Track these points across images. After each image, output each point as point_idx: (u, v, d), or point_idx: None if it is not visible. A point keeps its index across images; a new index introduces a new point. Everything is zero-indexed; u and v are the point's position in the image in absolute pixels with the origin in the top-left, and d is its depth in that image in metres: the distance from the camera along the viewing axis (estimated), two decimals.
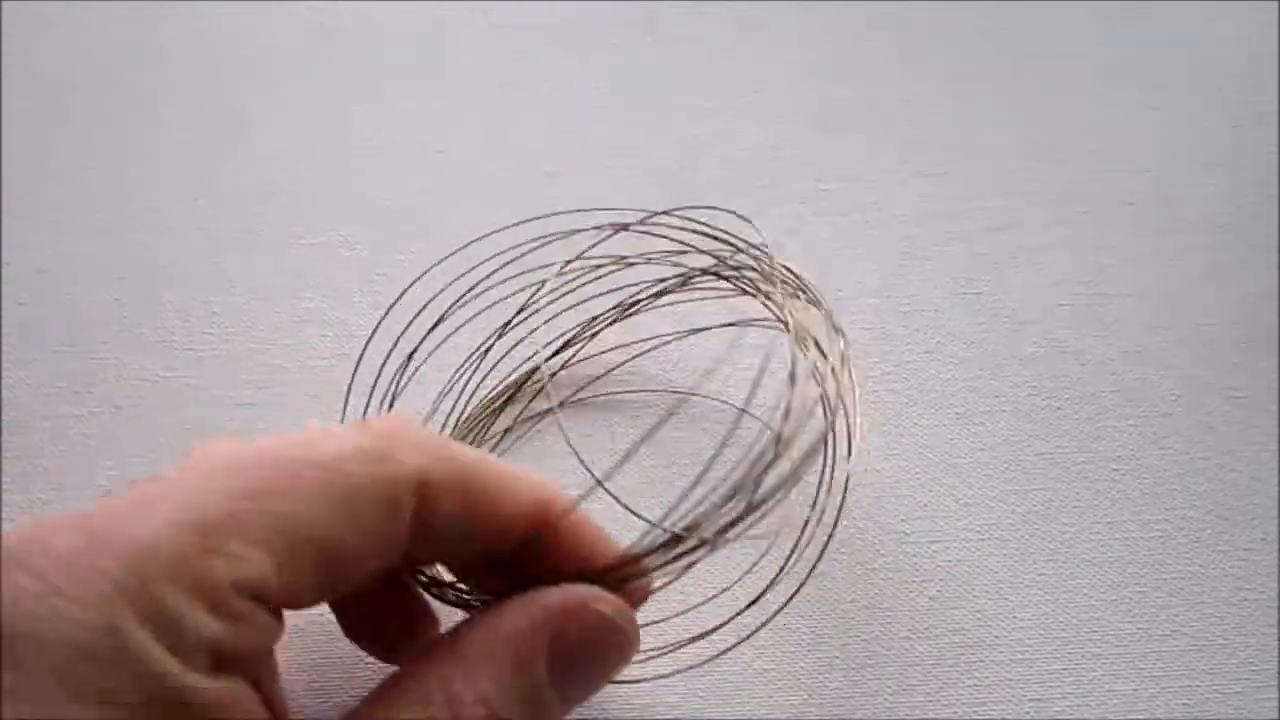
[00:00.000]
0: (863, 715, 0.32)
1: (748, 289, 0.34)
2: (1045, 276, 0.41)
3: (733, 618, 0.32)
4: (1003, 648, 0.33)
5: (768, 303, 0.33)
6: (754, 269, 0.33)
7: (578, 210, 0.36)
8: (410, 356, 0.36)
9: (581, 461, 0.28)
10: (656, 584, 0.27)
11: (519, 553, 0.24)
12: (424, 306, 0.36)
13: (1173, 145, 0.46)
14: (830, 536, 0.33)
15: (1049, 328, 0.40)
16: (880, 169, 0.45)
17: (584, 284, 0.37)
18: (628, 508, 0.28)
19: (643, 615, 0.31)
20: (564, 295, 0.37)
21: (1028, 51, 0.49)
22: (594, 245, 0.36)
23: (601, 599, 0.23)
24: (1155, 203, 0.44)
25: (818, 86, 0.48)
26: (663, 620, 0.33)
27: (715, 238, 0.34)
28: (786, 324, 0.30)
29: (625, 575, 0.24)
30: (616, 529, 0.26)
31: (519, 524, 0.24)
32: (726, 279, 0.34)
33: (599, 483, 0.26)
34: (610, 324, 0.38)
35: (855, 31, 0.50)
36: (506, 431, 0.38)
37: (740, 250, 0.33)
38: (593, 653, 0.24)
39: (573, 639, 0.23)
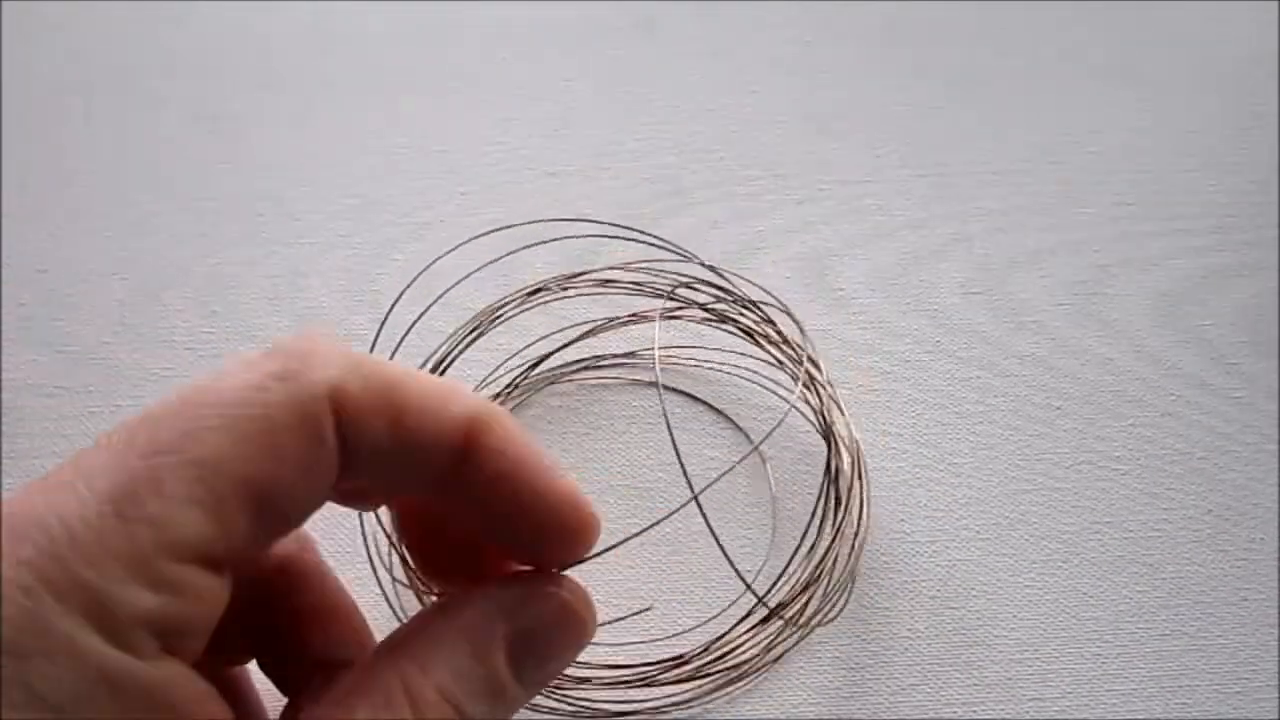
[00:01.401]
0: (863, 715, 0.32)
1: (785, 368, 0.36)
2: (1045, 277, 0.42)
3: (737, 630, 0.32)
4: (1003, 647, 0.33)
5: (802, 391, 0.35)
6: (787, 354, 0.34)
7: (578, 219, 0.36)
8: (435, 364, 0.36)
9: (684, 471, 0.27)
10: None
11: (477, 530, 0.22)
12: (422, 313, 0.36)
13: (1173, 145, 0.46)
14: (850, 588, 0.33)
15: (1049, 328, 0.40)
16: (880, 170, 0.45)
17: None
18: (725, 554, 0.27)
19: (657, 627, 0.31)
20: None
21: (1027, 52, 0.49)
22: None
23: (556, 581, 0.23)
24: (1155, 203, 0.44)
25: (817, 88, 0.48)
26: (671, 634, 0.33)
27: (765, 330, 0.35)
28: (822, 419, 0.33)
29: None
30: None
31: (449, 440, 0.21)
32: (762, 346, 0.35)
33: (694, 497, 0.25)
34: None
35: (855, 33, 0.50)
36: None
37: (792, 350, 0.34)
38: (552, 638, 0.22)
39: (530, 625, 0.22)
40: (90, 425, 0.37)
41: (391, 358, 0.36)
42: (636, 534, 0.24)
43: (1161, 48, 0.49)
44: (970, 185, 0.44)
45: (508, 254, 0.35)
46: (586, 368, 0.39)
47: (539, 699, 0.30)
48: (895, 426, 0.37)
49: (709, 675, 0.31)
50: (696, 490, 0.25)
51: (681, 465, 0.27)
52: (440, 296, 0.35)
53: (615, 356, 0.39)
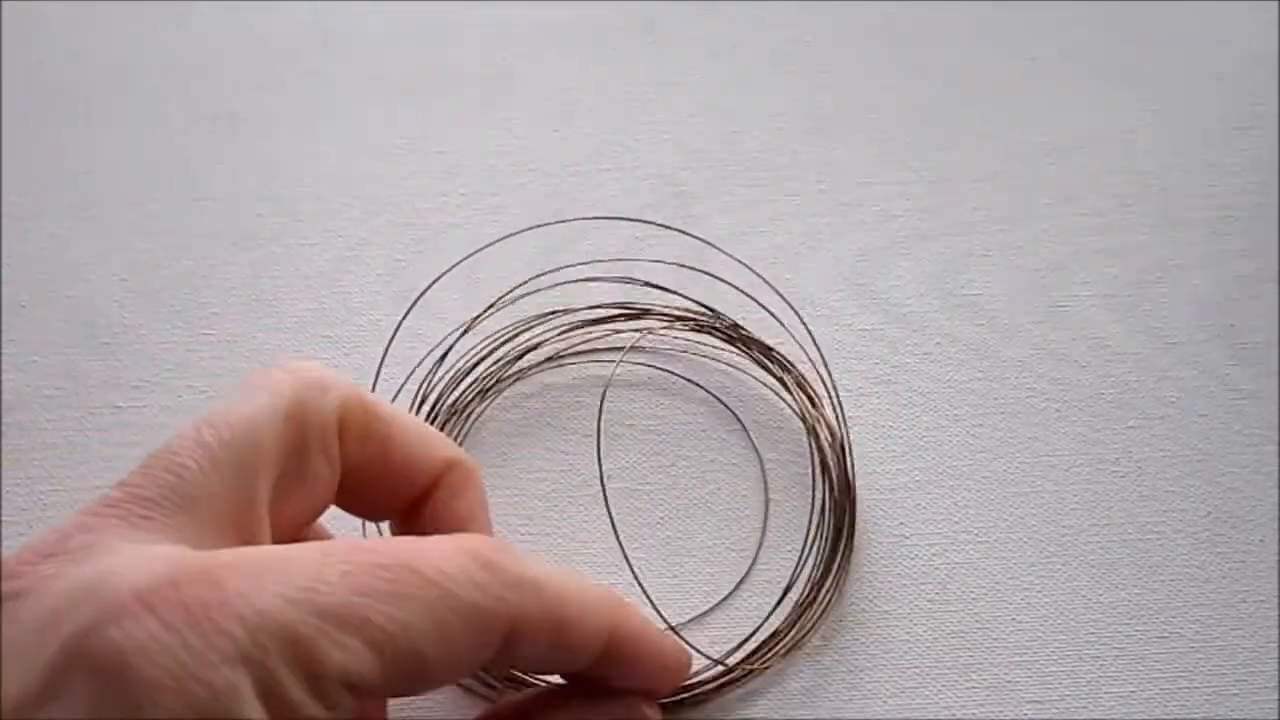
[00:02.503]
0: (861, 716, 0.32)
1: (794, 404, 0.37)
2: (1043, 278, 0.41)
3: (741, 643, 0.32)
4: (1002, 649, 0.33)
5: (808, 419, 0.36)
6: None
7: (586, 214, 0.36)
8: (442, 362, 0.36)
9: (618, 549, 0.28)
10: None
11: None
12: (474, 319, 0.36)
13: (1173, 145, 0.46)
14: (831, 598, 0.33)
15: (1048, 330, 0.40)
16: (880, 171, 0.45)
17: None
18: (660, 614, 0.29)
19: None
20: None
21: (1027, 52, 0.49)
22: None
23: (655, 709, 0.28)
24: (1154, 203, 0.44)
25: (817, 88, 0.48)
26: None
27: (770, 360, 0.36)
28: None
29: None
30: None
31: (592, 655, 0.25)
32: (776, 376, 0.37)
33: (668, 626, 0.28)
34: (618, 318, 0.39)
35: (855, 33, 0.50)
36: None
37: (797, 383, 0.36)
38: None
39: None
40: (90, 425, 0.37)
41: (386, 358, 0.36)
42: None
43: (1161, 48, 0.49)
44: (970, 185, 0.44)
45: (539, 280, 0.35)
46: (581, 355, 0.39)
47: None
48: (893, 429, 0.37)
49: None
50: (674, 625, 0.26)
51: (616, 532, 0.27)
52: (495, 304, 0.35)
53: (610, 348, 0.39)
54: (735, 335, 0.37)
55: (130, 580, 0.19)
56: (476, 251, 0.36)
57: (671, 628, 0.30)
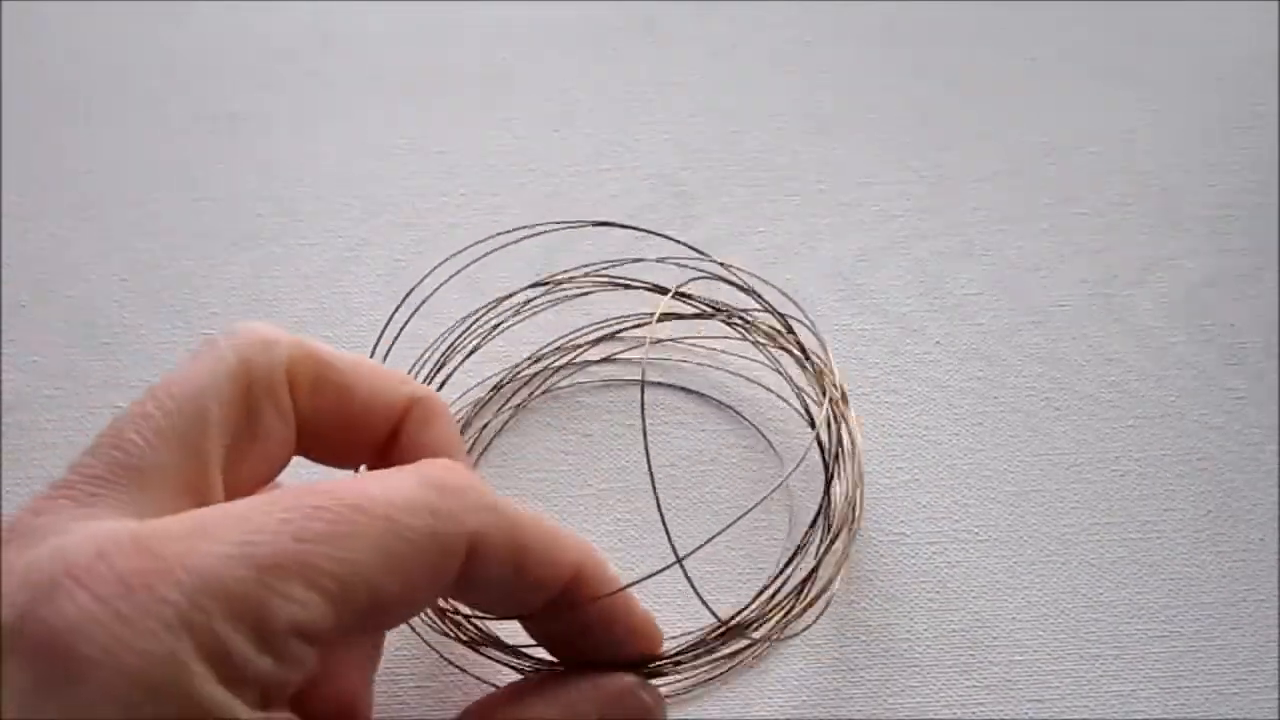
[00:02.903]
0: (860, 716, 0.32)
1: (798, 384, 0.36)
2: (1044, 277, 0.41)
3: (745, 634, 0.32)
4: (1002, 648, 0.33)
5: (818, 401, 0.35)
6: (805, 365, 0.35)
7: (588, 225, 0.36)
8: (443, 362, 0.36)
9: (667, 536, 0.28)
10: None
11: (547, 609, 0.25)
12: (474, 319, 0.36)
13: (1172, 145, 0.46)
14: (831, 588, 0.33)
15: (1047, 329, 0.40)
16: (879, 170, 0.45)
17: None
18: (698, 593, 0.28)
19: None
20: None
21: (1027, 52, 0.49)
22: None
23: (645, 689, 0.26)
24: (1154, 203, 0.44)
25: (817, 88, 0.48)
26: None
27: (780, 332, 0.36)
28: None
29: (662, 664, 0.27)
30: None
31: (555, 586, 0.24)
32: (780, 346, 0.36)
33: (679, 560, 0.27)
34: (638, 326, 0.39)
35: (855, 33, 0.50)
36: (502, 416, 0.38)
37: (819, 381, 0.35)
38: None
39: (618, 717, 0.25)
40: (90, 425, 0.37)
41: (387, 357, 0.36)
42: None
43: (1161, 48, 0.49)
44: (970, 185, 0.44)
45: (538, 293, 0.35)
46: (596, 362, 0.39)
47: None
48: (893, 428, 0.37)
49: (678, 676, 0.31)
50: (680, 555, 0.26)
51: (662, 514, 0.27)
52: (494, 304, 0.35)
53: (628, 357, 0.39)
54: (749, 324, 0.36)
55: (64, 558, 0.19)
56: (480, 256, 0.35)
57: (714, 615, 0.29)
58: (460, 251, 0.36)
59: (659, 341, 0.39)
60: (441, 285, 0.36)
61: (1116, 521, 0.35)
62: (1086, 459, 0.37)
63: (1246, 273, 0.42)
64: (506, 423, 0.38)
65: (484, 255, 0.36)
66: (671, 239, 0.36)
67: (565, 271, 0.37)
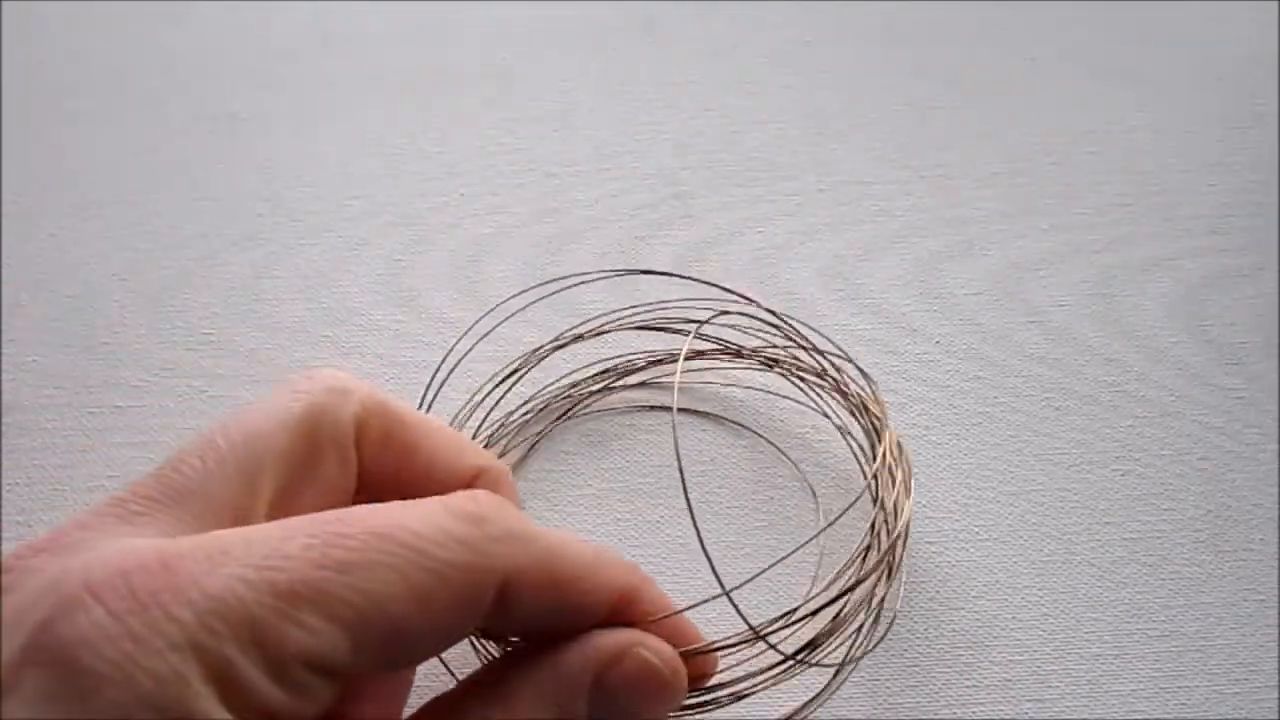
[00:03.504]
0: (863, 715, 0.32)
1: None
2: (1044, 277, 0.42)
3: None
4: (1002, 648, 0.33)
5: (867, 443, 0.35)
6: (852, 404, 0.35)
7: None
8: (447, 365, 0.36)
9: (711, 567, 0.26)
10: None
11: None
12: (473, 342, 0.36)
13: (1172, 145, 0.46)
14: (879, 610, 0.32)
15: (1048, 328, 0.40)
16: (879, 171, 0.45)
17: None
18: (744, 618, 0.26)
19: None
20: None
21: (1027, 52, 0.49)
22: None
23: (647, 644, 0.24)
24: (1154, 203, 0.44)
25: (817, 88, 0.48)
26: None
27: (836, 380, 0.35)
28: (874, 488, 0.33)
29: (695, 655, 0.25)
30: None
31: (600, 614, 0.23)
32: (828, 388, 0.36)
33: (726, 593, 0.25)
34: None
35: (855, 33, 0.50)
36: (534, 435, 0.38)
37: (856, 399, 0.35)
38: (635, 699, 0.24)
39: (616, 683, 0.23)
40: (90, 425, 0.37)
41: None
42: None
43: (1161, 48, 0.49)
44: (970, 185, 0.44)
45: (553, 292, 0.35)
46: (635, 387, 0.39)
47: None
48: (893, 428, 0.37)
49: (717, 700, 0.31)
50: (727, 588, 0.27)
51: (703, 544, 0.26)
52: (490, 331, 0.35)
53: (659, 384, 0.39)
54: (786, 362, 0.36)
55: (89, 572, 0.19)
56: (527, 304, 0.35)
57: (753, 629, 0.28)
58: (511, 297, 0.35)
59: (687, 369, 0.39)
60: (479, 340, 0.36)
61: (1116, 521, 0.35)
62: (1086, 459, 0.37)
63: (1246, 273, 0.42)
64: (533, 447, 0.37)
65: (531, 303, 0.35)
66: (715, 285, 0.35)
67: (599, 316, 0.37)
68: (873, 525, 0.32)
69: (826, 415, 0.37)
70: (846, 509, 0.34)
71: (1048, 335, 0.40)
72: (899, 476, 0.32)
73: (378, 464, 0.25)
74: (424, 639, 0.21)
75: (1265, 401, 0.38)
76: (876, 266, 0.42)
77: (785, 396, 0.38)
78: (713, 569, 0.25)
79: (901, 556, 0.32)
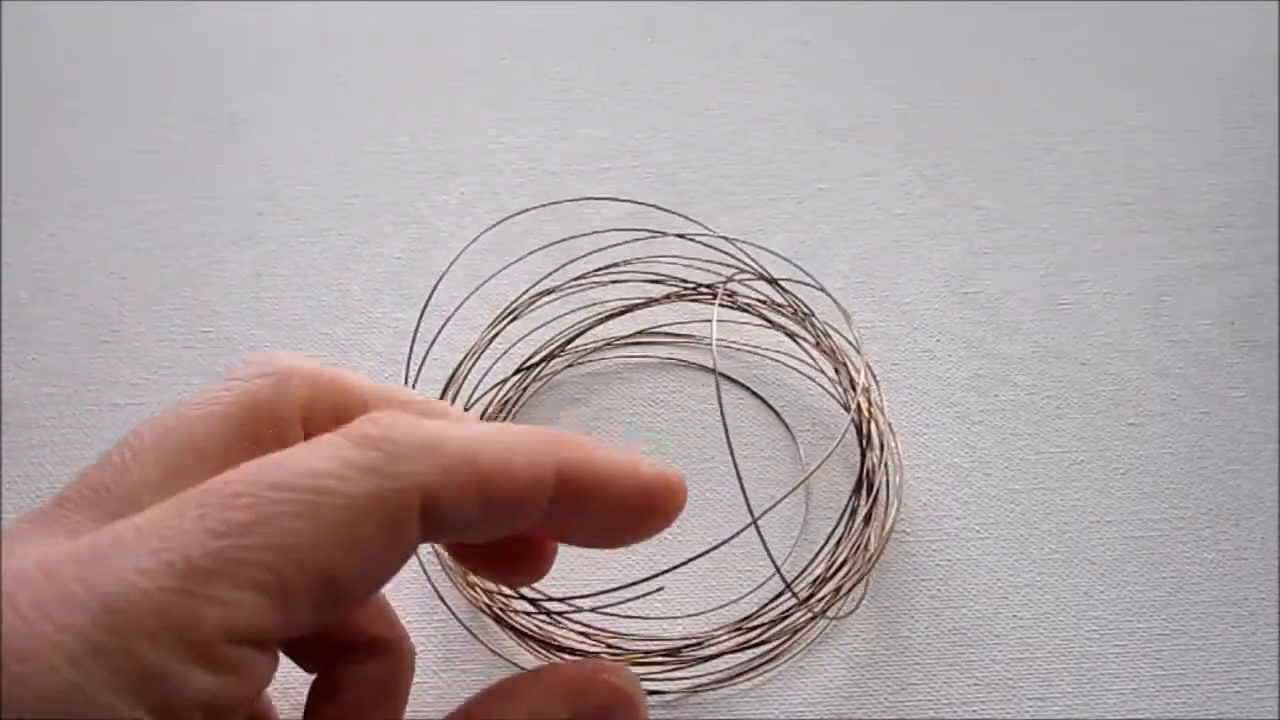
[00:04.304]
0: (862, 715, 0.32)
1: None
2: (1044, 277, 0.41)
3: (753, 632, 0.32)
4: (1003, 647, 0.33)
5: (844, 389, 0.36)
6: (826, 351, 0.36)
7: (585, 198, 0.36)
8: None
9: (742, 488, 0.27)
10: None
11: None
12: (464, 299, 0.36)
13: (1172, 145, 0.46)
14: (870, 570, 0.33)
15: (1048, 327, 0.40)
16: (879, 169, 0.45)
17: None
18: (769, 552, 0.28)
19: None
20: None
21: (1027, 52, 0.49)
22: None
23: (609, 670, 0.23)
24: (1154, 203, 0.44)
25: (817, 88, 0.48)
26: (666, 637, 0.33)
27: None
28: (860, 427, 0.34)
29: None
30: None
31: (540, 499, 0.21)
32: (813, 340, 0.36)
33: (754, 521, 0.27)
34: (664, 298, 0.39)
35: (855, 33, 0.50)
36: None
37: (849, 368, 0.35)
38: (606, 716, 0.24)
39: (589, 711, 0.23)
40: (89, 423, 0.37)
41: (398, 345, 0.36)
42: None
43: (1161, 48, 0.49)
44: (970, 185, 0.44)
45: (541, 249, 0.35)
46: (629, 344, 0.39)
47: None
48: (894, 428, 0.37)
49: (747, 651, 0.32)
50: (756, 515, 0.27)
51: (740, 478, 0.26)
52: (481, 285, 0.36)
53: (661, 334, 0.39)
54: (802, 338, 0.37)
55: None
56: (505, 220, 0.36)
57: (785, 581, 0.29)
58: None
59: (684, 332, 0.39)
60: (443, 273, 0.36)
61: (1118, 520, 0.35)
62: (1088, 457, 0.37)
63: (1246, 271, 0.42)
64: (530, 397, 0.38)
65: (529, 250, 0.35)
66: (693, 221, 0.36)
67: (614, 267, 0.38)
68: (863, 461, 0.33)
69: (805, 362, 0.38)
70: (835, 446, 0.34)
71: (1048, 333, 0.40)
72: (877, 400, 0.34)
73: (450, 518, 0.22)
74: (356, 580, 0.19)
75: (1265, 401, 0.38)
76: (877, 265, 0.42)
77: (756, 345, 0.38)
78: (744, 495, 0.26)
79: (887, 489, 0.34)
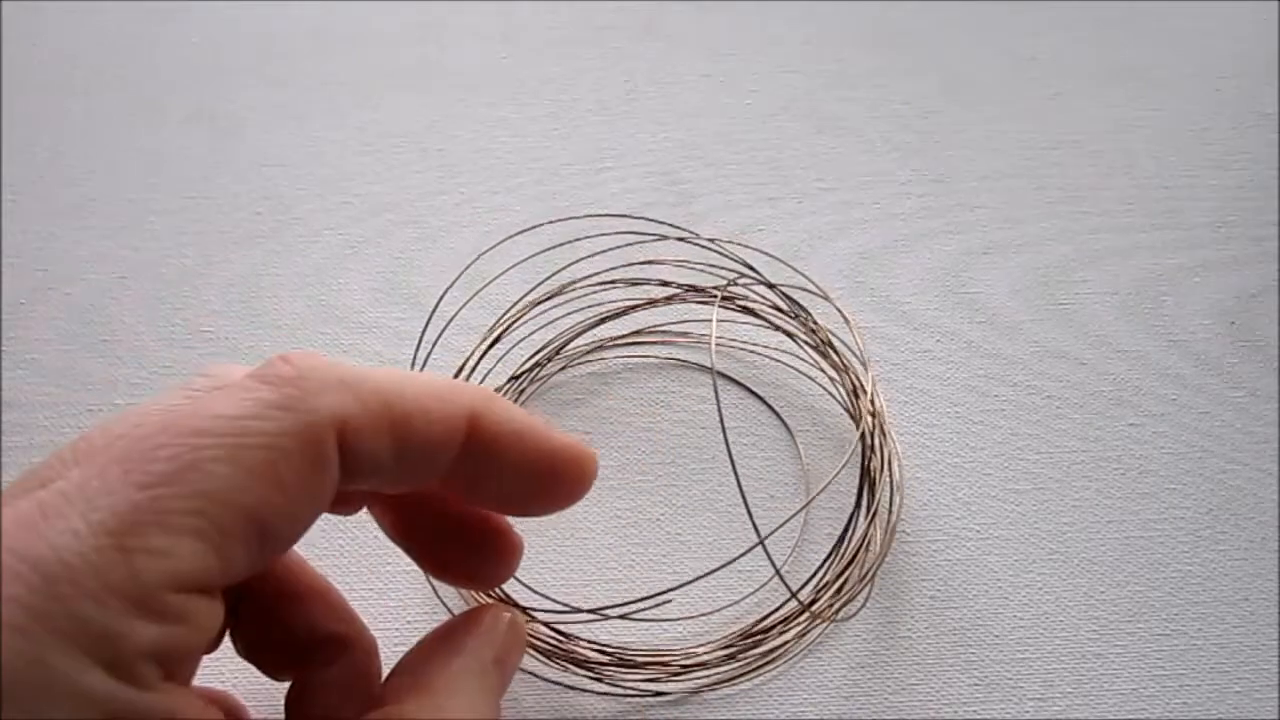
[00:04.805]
0: (863, 714, 0.32)
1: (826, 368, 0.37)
2: (1044, 276, 0.41)
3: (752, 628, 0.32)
4: (1003, 647, 0.33)
5: (845, 394, 0.36)
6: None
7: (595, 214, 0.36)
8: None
9: (737, 479, 0.28)
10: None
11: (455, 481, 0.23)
12: (463, 304, 0.36)
13: (1173, 145, 0.46)
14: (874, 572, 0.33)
15: (1048, 327, 0.40)
16: (879, 169, 0.45)
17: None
18: (772, 562, 0.29)
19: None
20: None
21: (1027, 52, 0.49)
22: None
23: (509, 610, 0.26)
24: (1154, 203, 0.44)
25: (817, 88, 0.48)
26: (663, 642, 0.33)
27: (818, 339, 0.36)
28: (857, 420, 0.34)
29: None
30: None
31: (453, 440, 0.22)
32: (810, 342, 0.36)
33: (761, 541, 0.27)
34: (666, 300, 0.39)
35: (854, 33, 0.50)
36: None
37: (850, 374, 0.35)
38: (515, 651, 0.25)
39: (507, 647, 0.25)
40: (89, 422, 0.37)
41: (428, 355, 0.36)
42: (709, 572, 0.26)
43: (1161, 48, 0.49)
44: (970, 185, 0.44)
45: (541, 252, 0.35)
46: (628, 344, 0.39)
47: (583, 680, 0.31)
48: (892, 427, 0.37)
49: (741, 660, 0.32)
50: (763, 535, 0.28)
51: (742, 491, 0.26)
52: (480, 290, 0.36)
53: (657, 333, 0.39)
54: (804, 339, 0.37)
55: None
56: (509, 237, 0.36)
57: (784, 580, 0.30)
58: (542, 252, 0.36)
59: (685, 332, 0.39)
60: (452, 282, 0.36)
61: (1118, 519, 0.35)
62: (1088, 457, 0.37)
63: (1247, 271, 0.42)
64: (529, 399, 0.38)
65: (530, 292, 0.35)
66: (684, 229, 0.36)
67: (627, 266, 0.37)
68: (865, 469, 0.33)
69: (813, 365, 0.38)
70: (845, 463, 0.34)
71: (1048, 333, 0.40)
72: (880, 411, 0.34)
73: (368, 453, 0.21)
74: (288, 517, 0.19)
75: (1265, 401, 0.38)
76: (876, 265, 0.42)
77: (759, 345, 0.38)
78: (749, 514, 0.26)
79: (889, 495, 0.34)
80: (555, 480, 0.23)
